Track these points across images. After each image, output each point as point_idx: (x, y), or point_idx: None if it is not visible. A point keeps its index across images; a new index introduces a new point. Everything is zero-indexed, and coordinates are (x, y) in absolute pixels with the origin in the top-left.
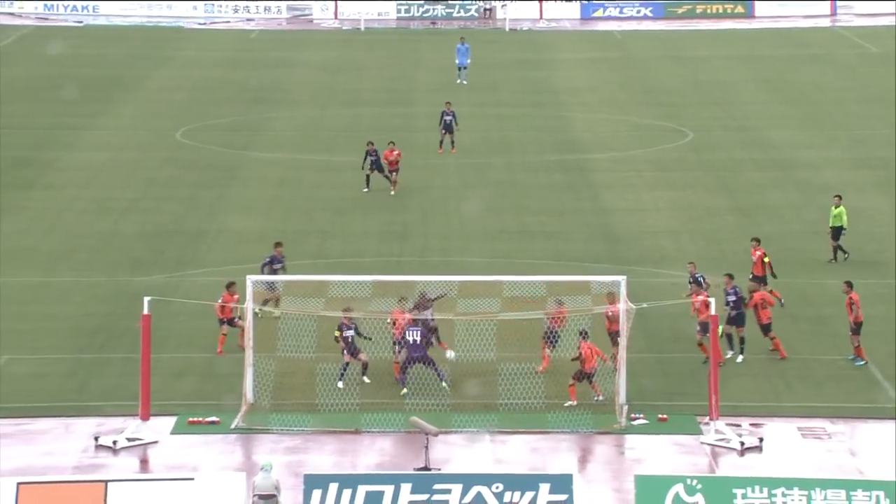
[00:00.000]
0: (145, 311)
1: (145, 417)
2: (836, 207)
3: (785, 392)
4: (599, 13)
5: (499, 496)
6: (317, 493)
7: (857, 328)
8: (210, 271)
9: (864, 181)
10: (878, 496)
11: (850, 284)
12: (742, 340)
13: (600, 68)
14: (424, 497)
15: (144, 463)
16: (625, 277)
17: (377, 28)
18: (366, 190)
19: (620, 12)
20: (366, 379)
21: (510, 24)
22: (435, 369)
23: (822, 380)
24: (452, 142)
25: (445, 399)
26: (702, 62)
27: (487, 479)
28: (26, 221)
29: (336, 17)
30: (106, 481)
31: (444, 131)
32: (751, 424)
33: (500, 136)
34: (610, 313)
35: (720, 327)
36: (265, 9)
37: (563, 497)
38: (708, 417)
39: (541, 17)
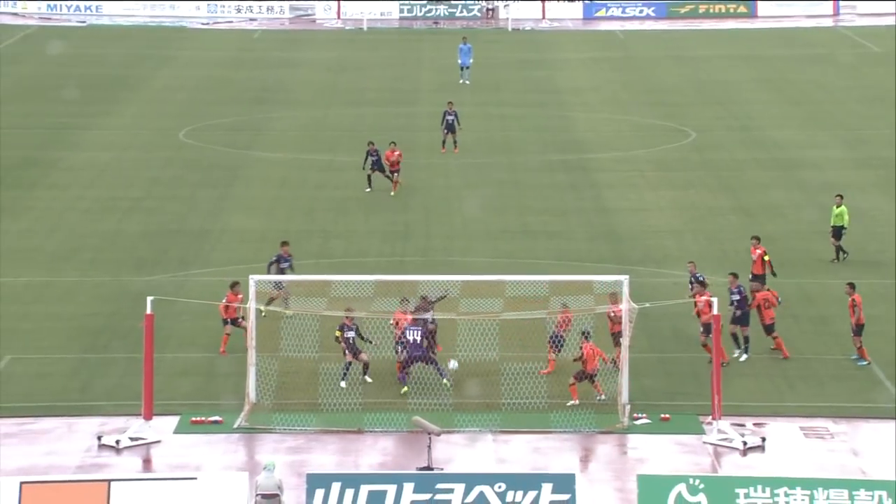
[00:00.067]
0: (148, 311)
1: (148, 417)
2: (837, 207)
3: (787, 392)
4: (602, 13)
5: (501, 496)
6: (319, 493)
7: (858, 330)
8: (213, 271)
9: (867, 181)
10: (880, 496)
11: (852, 286)
12: (746, 340)
13: (603, 68)
14: (427, 497)
15: (147, 462)
16: (627, 277)
17: (380, 28)
18: (368, 190)
19: (623, 12)
20: (367, 378)
21: (513, 24)
22: (436, 367)
23: (824, 380)
24: (455, 141)
25: (448, 399)
26: (704, 62)
27: (490, 479)
28: (30, 221)
29: (339, 17)
30: (109, 481)
31: (446, 131)
32: (753, 424)
33: (503, 135)
34: (612, 314)
35: (728, 326)
36: (268, 9)
37: (565, 497)
38: (710, 417)
39: (543, 17)
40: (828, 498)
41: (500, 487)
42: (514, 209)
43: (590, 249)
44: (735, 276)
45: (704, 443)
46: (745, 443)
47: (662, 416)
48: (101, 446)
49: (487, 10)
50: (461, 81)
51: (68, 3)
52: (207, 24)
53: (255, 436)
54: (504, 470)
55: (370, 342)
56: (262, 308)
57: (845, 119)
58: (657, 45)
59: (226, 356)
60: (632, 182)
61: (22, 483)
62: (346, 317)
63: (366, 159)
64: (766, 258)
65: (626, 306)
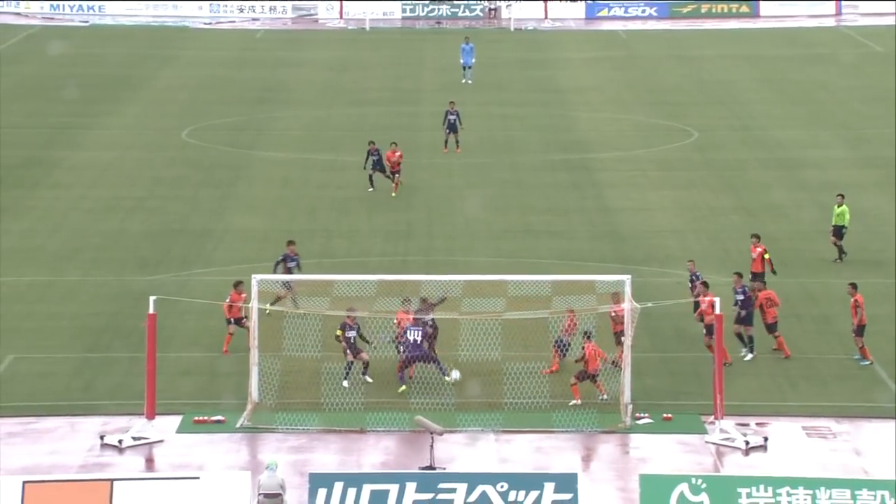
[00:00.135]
0: (151, 311)
1: (151, 416)
2: (838, 206)
3: (790, 391)
4: (604, 13)
5: (503, 495)
6: (322, 492)
7: (860, 330)
8: (216, 271)
9: (869, 180)
10: (882, 496)
11: (854, 286)
12: (750, 339)
13: (605, 68)
14: (429, 496)
15: (150, 462)
16: (629, 277)
17: (382, 28)
18: (371, 189)
19: (625, 12)
20: (368, 378)
21: (515, 24)
22: (437, 366)
23: (826, 379)
24: (457, 141)
25: (450, 398)
26: (706, 62)
27: (492, 479)
28: (32, 221)
29: (341, 17)
30: (111, 480)
31: (448, 131)
32: (756, 424)
33: (505, 135)
34: (613, 313)
35: (733, 326)
36: (270, 8)
37: (567, 496)
38: (713, 417)
39: (546, 17)
40: (830, 498)
41: (502, 487)
42: (516, 209)
43: (592, 249)
44: (739, 275)
45: (707, 442)
46: (747, 442)
47: (665, 415)
48: (104, 446)
49: (490, 9)
50: (463, 81)
51: (71, 2)
52: (210, 23)
53: (257, 435)
54: (506, 469)
55: (369, 343)
56: (268, 307)
57: (847, 119)
58: (659, 45)
59: (228, 356)
60: (634, 182)
61: (25, 482)
62: (348, 316)
63: (367, 159)
64: (767, 256)
65: (628, 306)
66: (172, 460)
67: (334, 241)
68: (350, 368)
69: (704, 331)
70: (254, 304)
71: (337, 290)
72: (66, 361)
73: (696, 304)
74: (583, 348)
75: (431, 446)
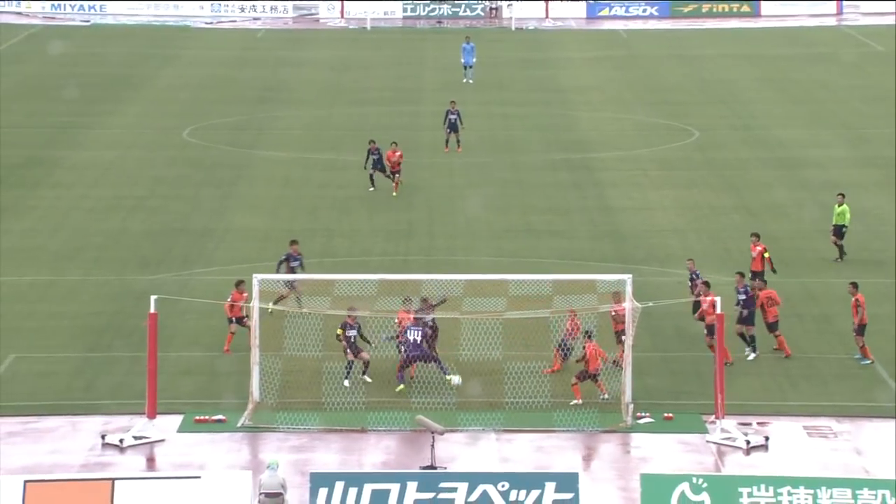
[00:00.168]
0: (152, 310)
1: (152, 416)
2: (839, 206)
3: (791, 391)
4: (605, 12)
5: (504, 495)
6: (323, 492)
7: (860, 329)
8: (217, 270)
9: (870, 180)
10: (884, 495)
11: (855, 285)
12: (752, 338)
13: (606, 67)
14: (430, 495)
15: (151, 461)
16: (630, 276)
17: (383, 27)
18: (371, 189)
19: (626, 11)
20: (367, 378)
21: (516, 23)
22: (438, 365)
23: (827, 379)
24: (458, 141)
25: (451, 398)
26: (708, 61)
27: (493, 478)
28: (34, 220)
29: (342, 17)
30: (113, 479)
31: (448, 130)
32: (757, 423)
33: (506, 134)
34: (614, 312)
35: (735, 326)
36: (271, 8)
37: (568, 496)
38: (714, 416)
39: (547, 17)
40: (831, 497)
41: (503, 486)
42: (517, 208)
43: (593, 248)
44: (742, 275)
45: (708, 442)
46: (748, 442)
47: (666, 415)
48: (105, 445)
49: (491, 9)
50: (464, 80)
51: (72, 2)
52: (211, 23)
53: (258, 435)
54: (507, 469)
55: (369, 343)
56: (270, 307)
57: (848, 118)
58: (660, 45)
59: (229, 355)
60: (635, 181)
61: (26, 482)
62: (349, 315)
63: (367, 158)
64: (766, 255)
65: (629, 305)
66: (173, 460)
67: (335, 240)
68: (350, 367)
69: (706, 331)
70: (255, 304)
71: (338, 290)
72: (68, 361)
73: (696, 304)
74: (583, 348)
75: (432, 446)
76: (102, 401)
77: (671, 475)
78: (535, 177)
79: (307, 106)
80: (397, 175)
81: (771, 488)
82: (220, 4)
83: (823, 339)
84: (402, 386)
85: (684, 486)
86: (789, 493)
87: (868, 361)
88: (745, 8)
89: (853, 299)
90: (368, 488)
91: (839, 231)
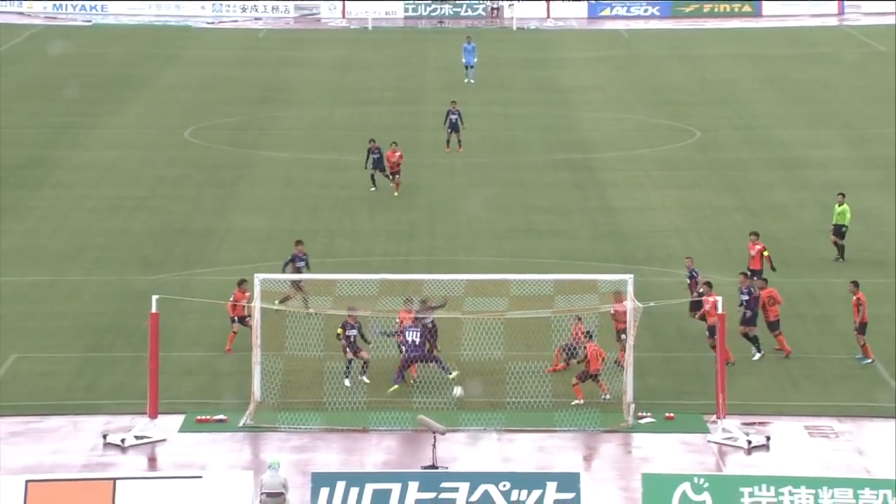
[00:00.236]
0: (153, 310)
1: (153, 416)
2: (839, 205)
3: (792, 391)
4: (607, 12)
5: (506, 494)
6: (324, 492)
7: (862, 328)
8: (218, 270)
9: (871, 180)
10: (885, 495)
11: (856, 284)
12: (755, 338)
13: (607, 67)
14: (432, 495)
15: (152, 461)
16: (632, 276)
17: (385, 27)
18: (373, 189)
19: (628, 11)
20: (365, 379)
21: (517, 23)
22: (438, 364)
23: (829, 379)
24: (459, 141)
25: (452, 397)
26: (709, 61)
27: (494, 478)
28: (35, 220)
29: (344, 17)
30: (114, 479)
31: (450, 130)
32: (758, 423)
33: (508, 134)
34: (613, 311)
35: (739, 328)
36: (273, 8)
37: (570, 495)
38: (715, 416)
39: (548, 16)
40: (832, 497)
41: (504, 486)
42: (518, 208)
43: (594, 248)
44: (746, 276)
45: (709, 442)
46: (749, 442)
47: (667, 414)
48: (107, 445)
49: (492, 9)
50: (466, 80)
51: (74, 2)
52: (212, 23)
53: (259, 434)
54: (509, 469)
55: (368, 343)
56: (276, 304)
57: (849, 118)
58: (662, 45)
59: (231, 354)
60: (636, 181)
61: (28, 481)
62: (349, 315)
63: (367, 157)
64: (766, 253)
65: (630, 305)
66: (175, 459)
67: (337, 240)
68: (350, 366)
69: (707, 332)
70: (256, 304)
71: (340, 290)
72: (69, 361)
73: (693, 302)
74: (584, 348)
75: (434, 445)
76: (104, 401)
77: (672, 475)
78: (537, 177)
79: (309, 106)
80: (397, 176)
81: (772, 488)
82: (221, 4)
83: (825, 340)
84: (395, 386)
85: (685, 486)
86: (790, 493)
87: (869, 361)
88: (747, 8)
89: (854, 298)
90: (370, 488)
91: (839, 231)
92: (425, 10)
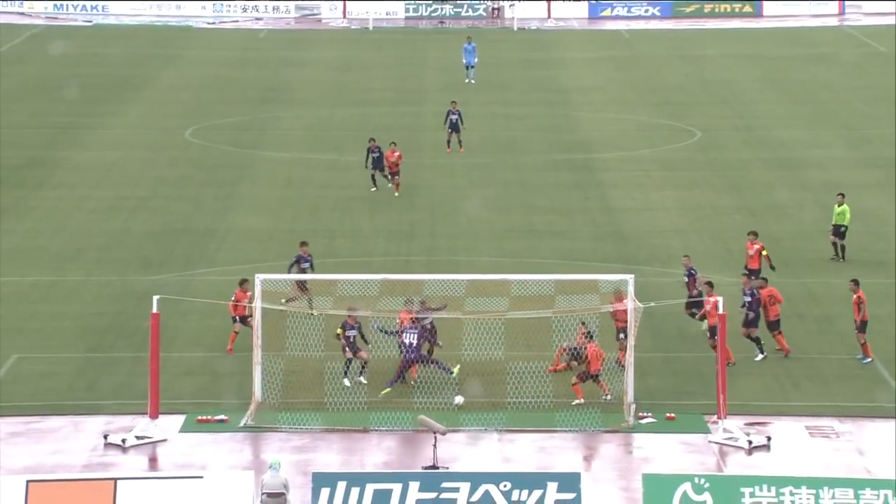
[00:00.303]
0: (154, 310)
1: (154, 416)
2: (838, 206)
3: (792, 391)
4: (607, 12)
5: (506, 495)
6: (325, 492)
7: (862, 326)
8: (219, 270)
9: (871, 180)
10: (886, 495)
11: (856, 282)
12: (757, 339)
13: (608, 67)
14: (432, 495)
15: (153, 461)
16: (632, 276)
17: (385, 27)
18: (374, 189)
19: (628, 11)
20: (362, 379)
21: (518, 24)
22: (437, 365)
23: (829, 379)
24: (460, 141)
25: (453, 398)
26: (710, 61)
27: (495, 478)
28: (35, 221)
29: (344, 17)
30: (115, 479)
31: (450, 131)
32: (759, 423)
33: (508, 135)
34: (612, 310)
35: (741, 329)
36: (274, 8)
37: (570, 496)
38: (716, 416)
39: (549, 17)
40: (833, 497)
41: (505, 486)
42: (519, 209)
43: (595, 249)
44: (749, 277)
45: (710, 442)
46: (750, 442)
47: (668, 415)
48: (108, 445)
49: (493, 9)
50: (467, 81)
51: (74, 2)
52: (213, 23)
53: (260, 435)
54: (509, 469)
55: (367, 343)
56: (283, 302)
57: (850, 118)
58: (662, 45)
59: (232, 355)
60: (637, 181)
61: (29, 482)
62: (349, 315)
63: (367, 156)
64: (765, 253)
65: (631, 305)
66: (176, 460)
67: (337, 240)
68: (349, 366)
69: (708, 333)
70: (257, 304)
71: (340, 290)
72: (70, 361)
73: (692, 303)
74: (584, 348)
75: (434, 446)
76: (105, 401)
77: (673, 475)
78: (537, 177)
79: (309, 106)
80: (396, 177)
81: (773, 488)
82: (222, 5)
83: (825, 340)
84: (387, 389)
85: (686, 487)
86: (791, 494)
87: (868, 360)
88: (747, 8)
89: (854, 296)
90: (370, 488)
91: (838, 231)
92: (426, 11)
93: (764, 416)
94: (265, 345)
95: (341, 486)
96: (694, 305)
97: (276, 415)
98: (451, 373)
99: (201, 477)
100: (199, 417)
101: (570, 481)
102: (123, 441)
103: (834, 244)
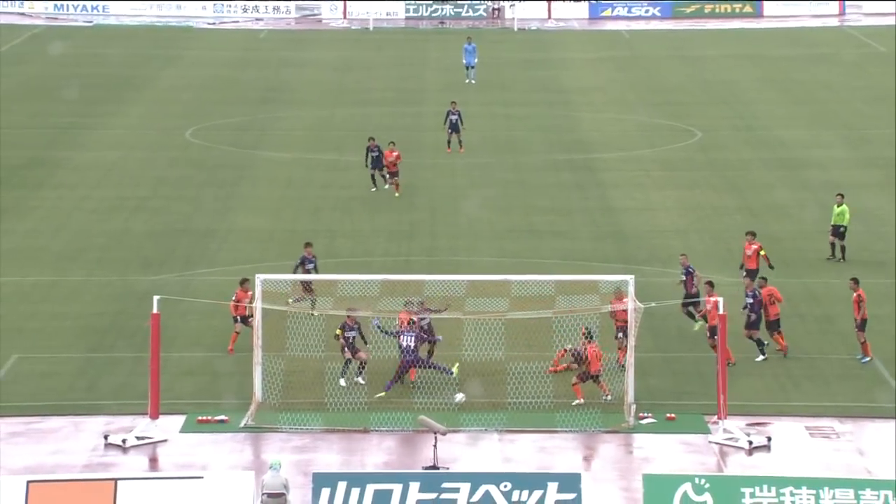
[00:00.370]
0: (154, 311)
1: (154, 416)
2: (838, 206)
3: (793, 391)
4: (608, 13)
5: (507, 495)
6: (325, 492)
7: (862, 325)
8: (219, 270)
9: (871, 180)
10: (886, 495)
11: (856, 281)
12: (759, 341)
13: (608, 68)
14: (433, 496)
15: (154, 461)
16: (633, 277)
17: (386, 28)
18: (374, 189)
19: (629, 12)
20: (360, 380)
21: (518, 24)
22: (437, 368)
23: (829, 379)
24: (460, 141)
25: (453, 398)
26: (710, 62)
27: (496, 478)
28: (36, 221)
29: (345, 17)
30: (115, 479)
31: (450, 131)
32: (759, 424)
33: (508, 135)
34: (612, 310)
35: (743, 331)
36: (274, 8)
37: (571, 496)
38: (716, 417)
39: (549, 17)
40: (833, 497)
41: (505, 487)
42: (519, 209)
43: (595, 249)
44: (751, 278)
45: (710, 442)
46: (750, 442)
47: (668, 415)
48: (108, 445)
49: (493, 9)
50: (467, 81)
51: (75, 2)
52: (214, 23)
53: (260, 435)
54: (510, 469)
55: (366, 343)
56: (289, 305)
57: (850, 119)
58: (663, 45)
59: (233, 355)
60: (637, 182)
61: (29, 482)
62: (349, 316)
63: (366, 156)
64: (763, 253)
65: (631, 306)
66: (176, 460)
67: (338, 241)
68: (347, 366)
69: (708, 333)
70: (257, 304)
71: (341, 290)
72: (70, 361)
73: (688, 301)
74: (585, 349)
75: (435, 446)
76: (105, 401)
77: (673, 475)
78: (538, 177)
79: (309, 106)
80: (395, 177)
81: (773, 489)
82: (222, 5)
83: (825, 340)
84: (382, 392)
85: (686, 487)
86: (792, 494)
87: (868, 359)
88: (748, 8)
89: (854, 295)
90: (371, 488)
91: (837, 231)
92: (426, 11)
93: (764, 416)
94: (265, 345)
95: (342, 486)
96: (691, 304)
97: (276, 415)
98: (451, 373)
99: (202, 477)
100: (200, 418)
101: (570, 482)
102: (124, 441)
103: (832, 244)
